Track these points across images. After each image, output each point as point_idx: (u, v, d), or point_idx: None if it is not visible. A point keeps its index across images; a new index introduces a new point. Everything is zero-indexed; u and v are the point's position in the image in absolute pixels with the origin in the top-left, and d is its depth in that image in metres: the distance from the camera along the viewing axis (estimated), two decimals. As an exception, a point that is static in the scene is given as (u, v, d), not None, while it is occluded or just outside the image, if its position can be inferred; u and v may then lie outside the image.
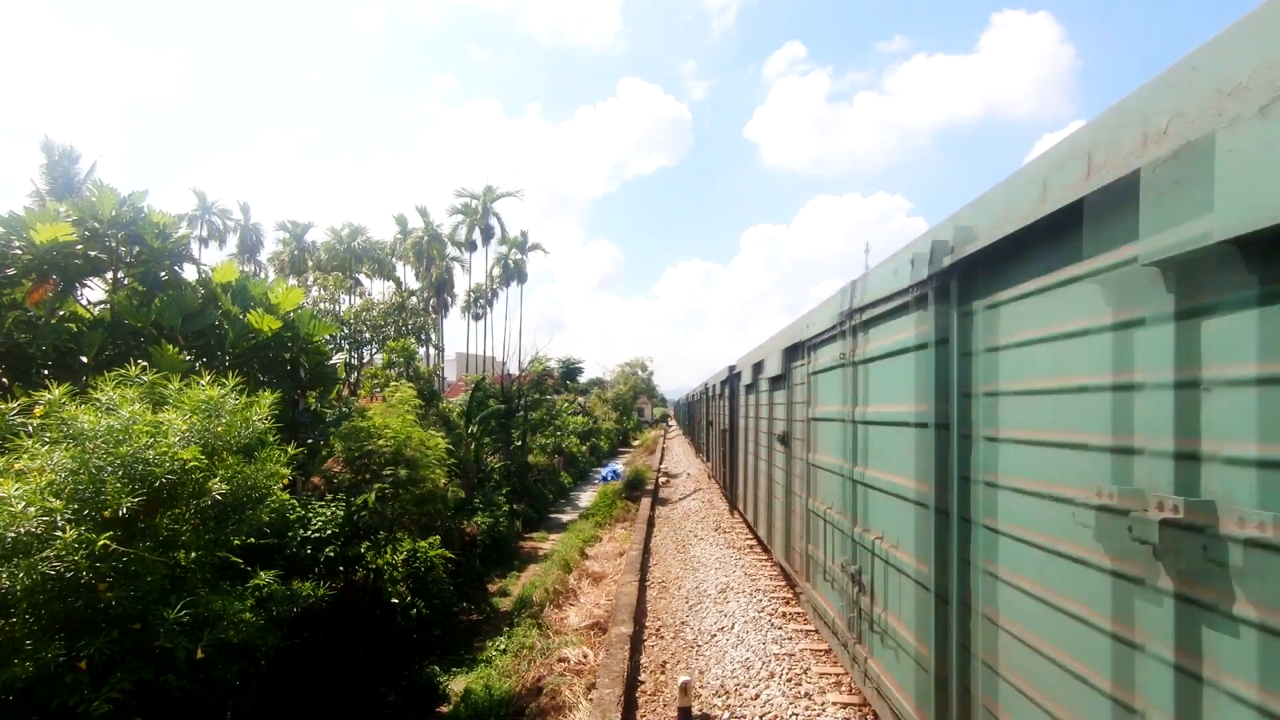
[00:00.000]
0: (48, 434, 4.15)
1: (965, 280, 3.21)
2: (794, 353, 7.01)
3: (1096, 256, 2.30)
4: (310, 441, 8.33)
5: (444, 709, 8.02)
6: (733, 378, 12.62)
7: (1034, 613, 2.65)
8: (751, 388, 9.91)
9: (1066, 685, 2.44)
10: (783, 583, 8.71)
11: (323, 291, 27.36)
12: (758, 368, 9.26)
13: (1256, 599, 1.69)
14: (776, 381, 7.98)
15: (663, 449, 37.34)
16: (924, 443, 3.56)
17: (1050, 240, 2.57)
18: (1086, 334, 2.36)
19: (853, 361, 4.91)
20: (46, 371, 6.30)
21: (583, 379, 39.24)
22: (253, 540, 5.06)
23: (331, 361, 9.80)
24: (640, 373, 63.54)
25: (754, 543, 11.10)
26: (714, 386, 15.84)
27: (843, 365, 5.14)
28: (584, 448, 34.16)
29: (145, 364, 5.41)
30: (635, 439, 53.90)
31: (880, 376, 4.40)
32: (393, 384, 14.55)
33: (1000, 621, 2.91)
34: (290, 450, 5.41)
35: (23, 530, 3.62)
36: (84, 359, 6.67)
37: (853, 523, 4.89)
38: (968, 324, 3.20)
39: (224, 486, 4.51)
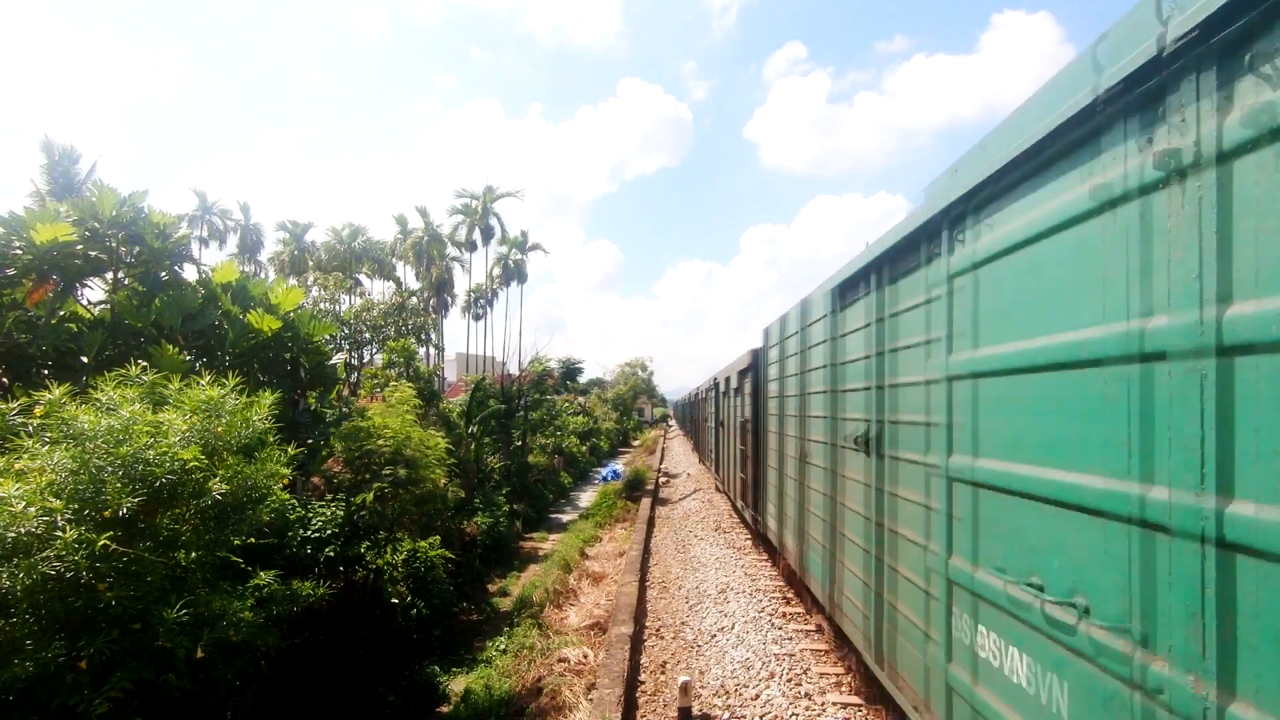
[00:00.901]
0: (48, 434, 4.15)
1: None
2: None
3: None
4: (310, 441, 8.32)
5: (444, 709, 8.02)
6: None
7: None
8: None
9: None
10: (782, 583, 8.71)
11: (323, 291, 27.36)
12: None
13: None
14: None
15: (663, 449, 37.35)
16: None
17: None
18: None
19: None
20: (46, 371, 6.30)
21: (583, 379, 39.23)
22: (253, 540, 5.05)
23: (331, 361, 9.79)
24: (640, 373, 63.54)
25: (754, 543, 11.09)
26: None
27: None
28: (584, 448, 34.15)
29: (145, 364, 5.41)
30: (635, 439, 53.90)
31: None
32: (393, 384, 14.54)
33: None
34: (290, 450, 5.40)
35: (23, 530, 3.62)
36: (84, 359, 6.67)
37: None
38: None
39: (224, 486, 4.51)
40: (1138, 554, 2.06)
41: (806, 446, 6.51)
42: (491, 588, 13.31)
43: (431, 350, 39.36)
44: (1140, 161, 2.05)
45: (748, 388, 10.29)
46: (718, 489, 17.19)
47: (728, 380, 12.66)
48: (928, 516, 3.63)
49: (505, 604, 12.05)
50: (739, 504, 11.99)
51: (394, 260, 47.81)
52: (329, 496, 9.00)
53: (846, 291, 5.25)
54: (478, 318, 51.33)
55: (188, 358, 7.12)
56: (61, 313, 6.81)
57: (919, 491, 3.76)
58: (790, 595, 8.19)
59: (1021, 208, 2.76)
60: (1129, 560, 2.09)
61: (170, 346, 6.63)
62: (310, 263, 43.65)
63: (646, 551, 11.74)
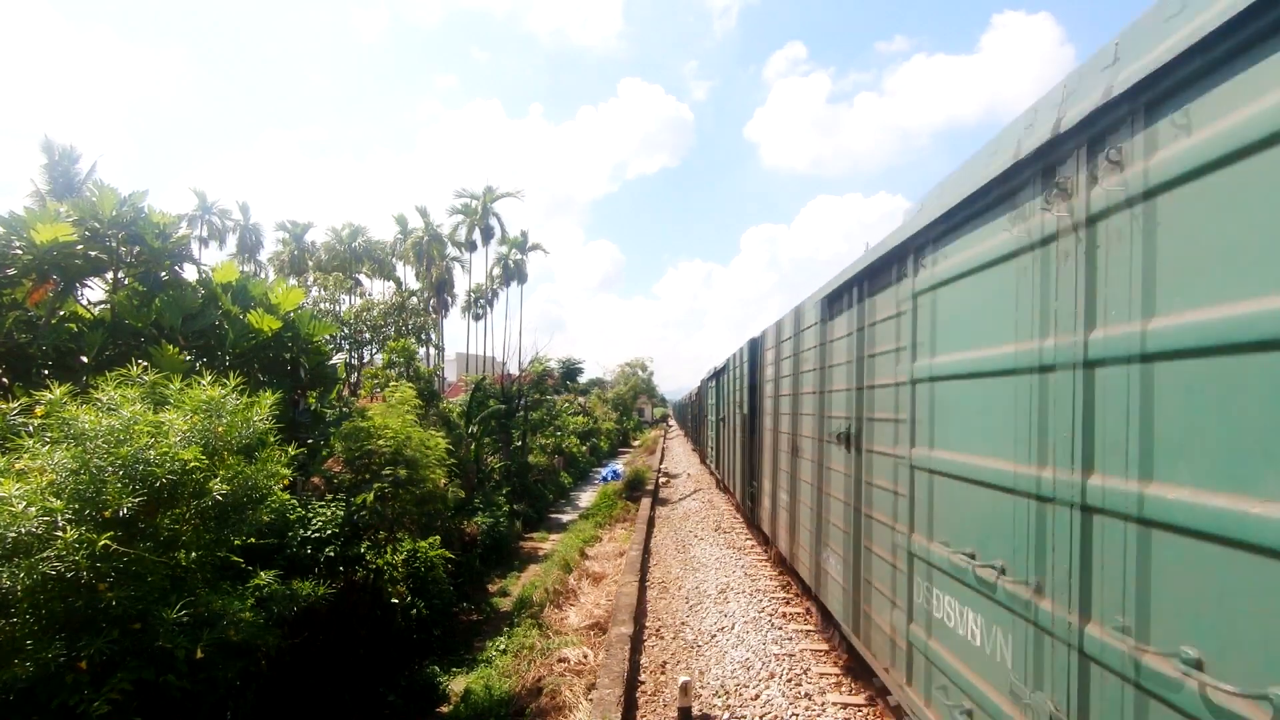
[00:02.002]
0: (48, 434, 4.15)
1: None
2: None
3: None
4: (310, 441, 8.32)
5: (444, 709, 8.02)
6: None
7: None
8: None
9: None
10: (783, 582, 8.71)
11: (323, 291, 27.35)
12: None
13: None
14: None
15: (663, 449, 37.35)
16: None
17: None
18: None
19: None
20: (47, 371, 6.30)
21: (583, 379, 39.24)
22: (253, 540, 5.05)
23: (332, 361, 9.79)
24: (640, 373, 63.56)
25: (754, 543, 11.10)
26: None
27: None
28: (584, 448, 34.15)
29: (146, 364, 5.41)
30: (635, 439, 53.89)
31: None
32: (393, 384, 14.54)
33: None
34: (290, 450, 5.41)
35: (23, 530, 3.62)
36: (84, 359, 6.67)
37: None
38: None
39: (224, 487, 4.51)
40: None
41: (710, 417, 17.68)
42: (491, 588, 13.31)
43: (431, 350, 39.35)
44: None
45: (699, 397, 25.12)
46: (686, 440, 34.10)
47: (694, 393, 29.46)
48: (723, 432, 14.88)
49: (505, 604, 12.05)
50: (693, 444, 29.38)
51: (394, 260, 47.80)
52: (329, 496, 9.00)
53: (716, 377, 16.06)
54: (478, 318, 51.35)
55: (188, 358, 7.12)
56: (61, 313, 6.81)
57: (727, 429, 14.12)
58: (790, 595, 8.19)
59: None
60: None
61: (170, 346, 6.63)
62: (310, 263, 43.63)
63: (646, 551, 11.74)
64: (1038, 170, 2.60)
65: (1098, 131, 2.29)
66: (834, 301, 5.39)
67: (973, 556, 3.01)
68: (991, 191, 2.94)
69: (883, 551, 4.25)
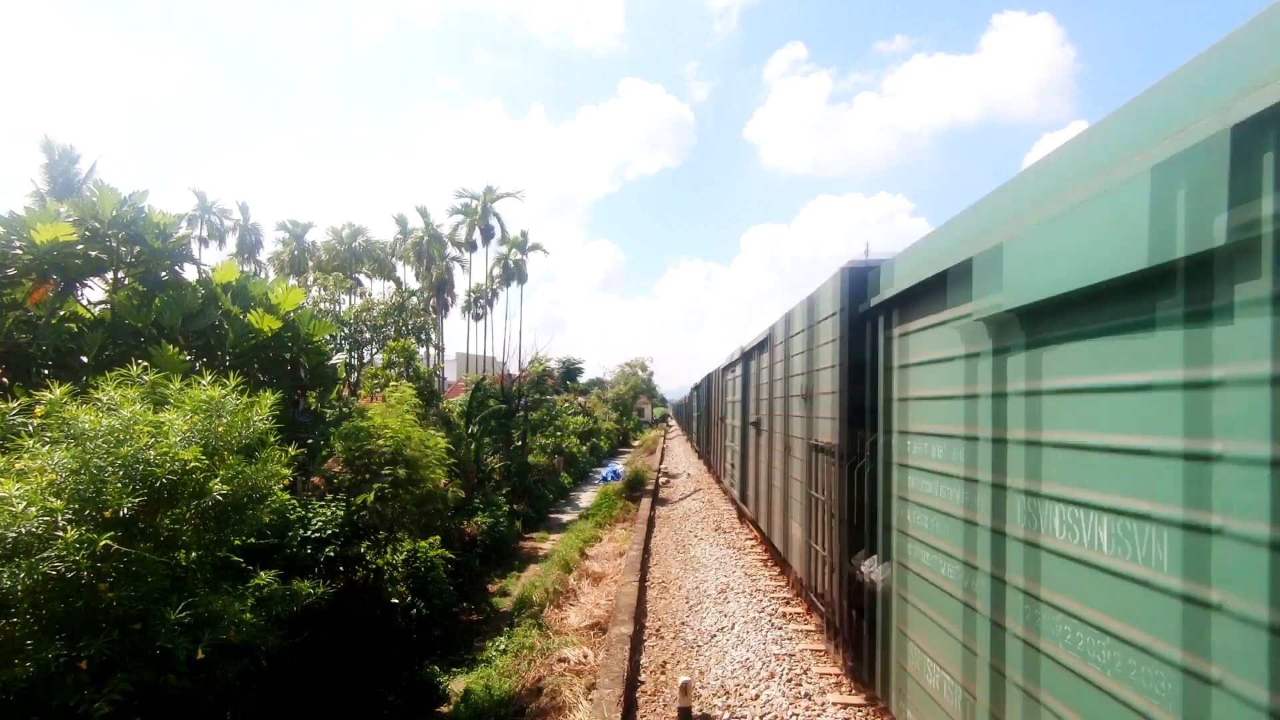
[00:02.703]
0: (48, 434, 4.15)
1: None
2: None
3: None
4: (310, 441, 8.32)
5: (444, 709, 8.02)
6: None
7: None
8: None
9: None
10: (783, 582, 8.71)
11: (323, 291, 27.37)
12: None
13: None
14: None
15: (663, 449, 37.36)
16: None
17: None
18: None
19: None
20: (47, 371, 6.30)
21: (583, 379, 39.24)
22: (253, 540, 5.06)
23: (332, 361, 9.78)
24: (640, 373, 63.63)
25: (755, 543, 11.11)
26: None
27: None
28: (584, 448, 34.14)
29: (146, 364, 5.41)
30: (635, 439, 53.88)
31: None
32: (393, 384, 14.54)
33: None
34: (291, 450, 5.41)
35: (24, 530, 3.62)
36: (84, 359, 6.67)
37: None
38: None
39: (224, 487, 4.51)
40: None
41: (694, 414, 28.90)
42: (491, 588, 13.30)
43: (431, 350, 39.33)
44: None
45: (690, 400, 35.97)
46: (686, 439, 40.50)
47: (687, 397, 39.72)
48: (702, 425, 25.14)
49: (505, 604, 12.05)
50: (687, 435, 39.96)
51: (394, 260, 47.82)
52: (329, 496, 8.99)
53: (697, 389, 27.57)
54: (478, 318, 51.39)
55: (188, 358, 7.12)
56: (61, 313, 6.82)
57: (703, 420, 24.64)
58: (791, 595, 8.20)
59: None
60: None
61: (170, 346, 6.63)
62: (310, 263, 43.66)
63: (646, 551, 11.74)
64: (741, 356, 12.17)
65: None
66: (725, 370, 13.82)
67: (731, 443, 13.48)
68: (737, 360, 12.56)
69: (727, 451, 14.01)
